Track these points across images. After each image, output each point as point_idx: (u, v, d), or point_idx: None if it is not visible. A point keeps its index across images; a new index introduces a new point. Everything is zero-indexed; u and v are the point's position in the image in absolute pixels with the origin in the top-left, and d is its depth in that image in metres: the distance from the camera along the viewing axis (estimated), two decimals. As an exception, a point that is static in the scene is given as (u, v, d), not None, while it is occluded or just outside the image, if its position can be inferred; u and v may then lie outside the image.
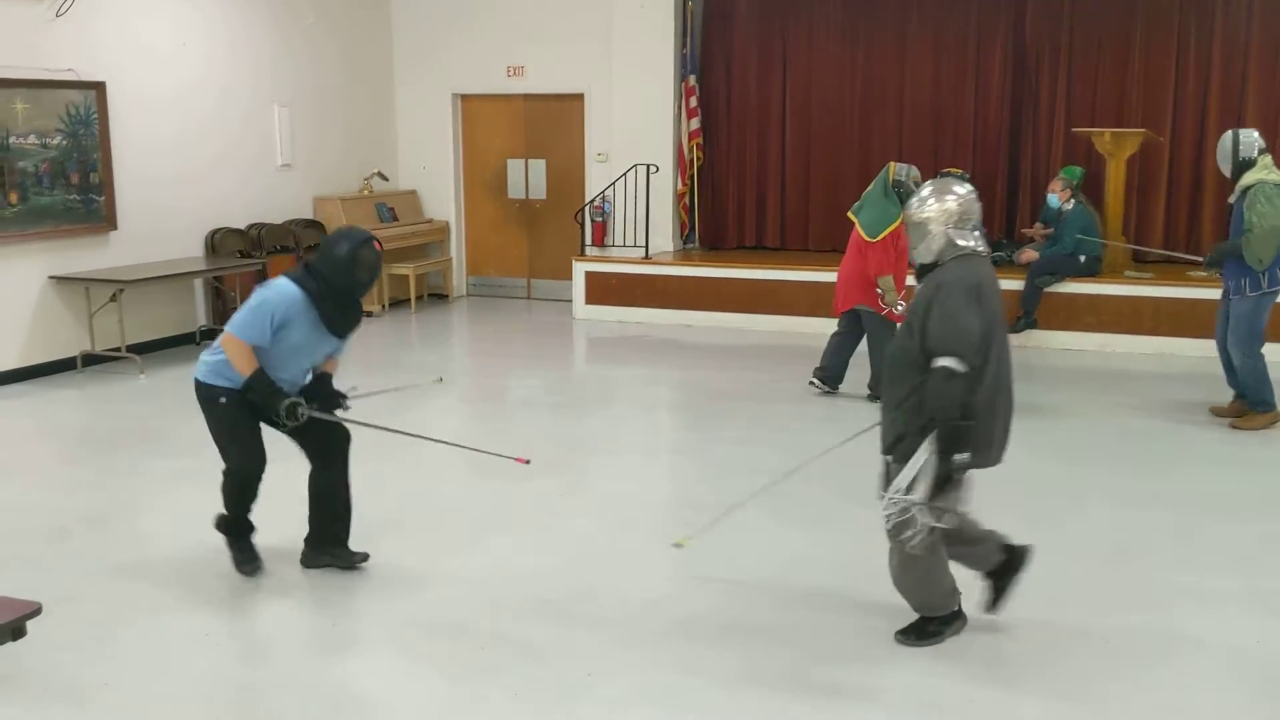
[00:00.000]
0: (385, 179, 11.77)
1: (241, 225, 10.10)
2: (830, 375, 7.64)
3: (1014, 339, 9.05)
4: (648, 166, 10.66)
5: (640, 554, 4.90)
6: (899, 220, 7.15)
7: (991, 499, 4.52)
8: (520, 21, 11.40)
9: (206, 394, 4.48)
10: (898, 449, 3.79)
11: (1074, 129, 9.78)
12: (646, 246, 10.73)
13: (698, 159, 11.10)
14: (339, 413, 4.58)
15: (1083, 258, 9.08)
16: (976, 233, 3.79)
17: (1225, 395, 7.09)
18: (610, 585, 4.54)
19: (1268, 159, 6.62)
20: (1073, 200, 9.19)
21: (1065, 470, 6.08)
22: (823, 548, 4.97)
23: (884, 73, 10.64)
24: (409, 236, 11.54)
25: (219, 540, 4.69)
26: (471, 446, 4.95)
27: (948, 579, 3.98)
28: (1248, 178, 6.56)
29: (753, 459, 6.29)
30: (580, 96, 11.44)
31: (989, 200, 10.39)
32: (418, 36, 11.86)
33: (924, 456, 3.66)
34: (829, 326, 9.62)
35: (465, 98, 12.00)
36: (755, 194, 11.22)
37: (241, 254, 9.88)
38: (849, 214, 7.52)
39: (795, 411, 7.35)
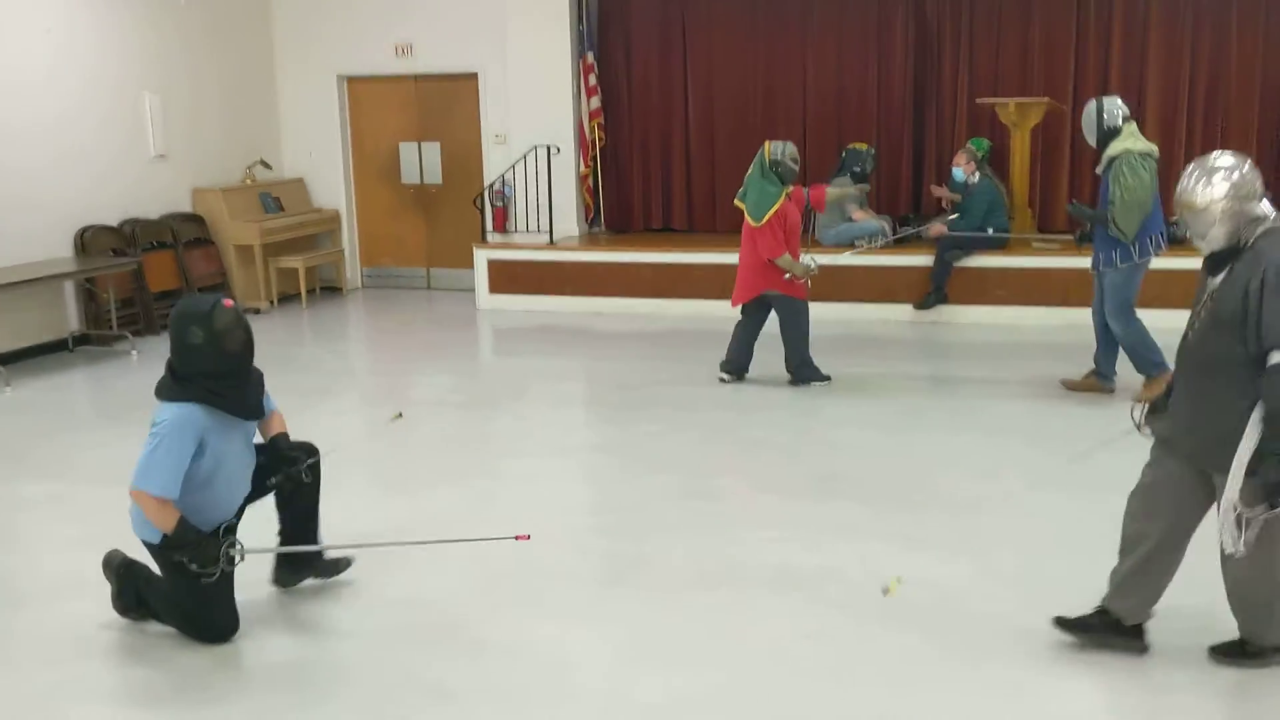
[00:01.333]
0: (269, 167, 11.17)
1: (114, 221, 9.44)
2: (736, 366, 7.44)
3: (925, 315, 9.11)
4: (548, 148, 10.28)
5: (567, 569, 4.57)
6: (782, 199, 6.96)
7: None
8: (406, 1, 10.89)
9: (160, 554, 3.84)
10: (1221, 458, 3.35)
11: (978, 99, 9.68)
12: (551, 232, 10.35)
13: (600, 139, 10.75)
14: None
15: (990, 230, 8.99)
16: (1265, 201, 3.39)
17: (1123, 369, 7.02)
18: (531, 607, 4.21)
19: (1132, 127, 6.51)
20: (978, 174, 9.10)
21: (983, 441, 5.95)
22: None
23: (786, 48, 10.41)
24: (297, 227, 10.97)
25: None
26: (466, 539, 4.29)
27: None
28: (1113, 147, 6.45)
29: (674, 453, 6.03)
30: (474, 76, 10.98)
31: (894, 176, 10.30)
32: (298, 16, 11.25)
33: (1260, 463, 3.26)
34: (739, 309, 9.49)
35: (352, 80, 11.44)
36: (661, 175, 10.92)
37: (115, 252, 9.24)
38: (736, 202, 7.31)
39: (712, 399, 7.09)
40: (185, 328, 3.76)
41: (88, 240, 9.08)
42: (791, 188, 7.12)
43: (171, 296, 9.77)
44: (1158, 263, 7.77)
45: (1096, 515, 4.98)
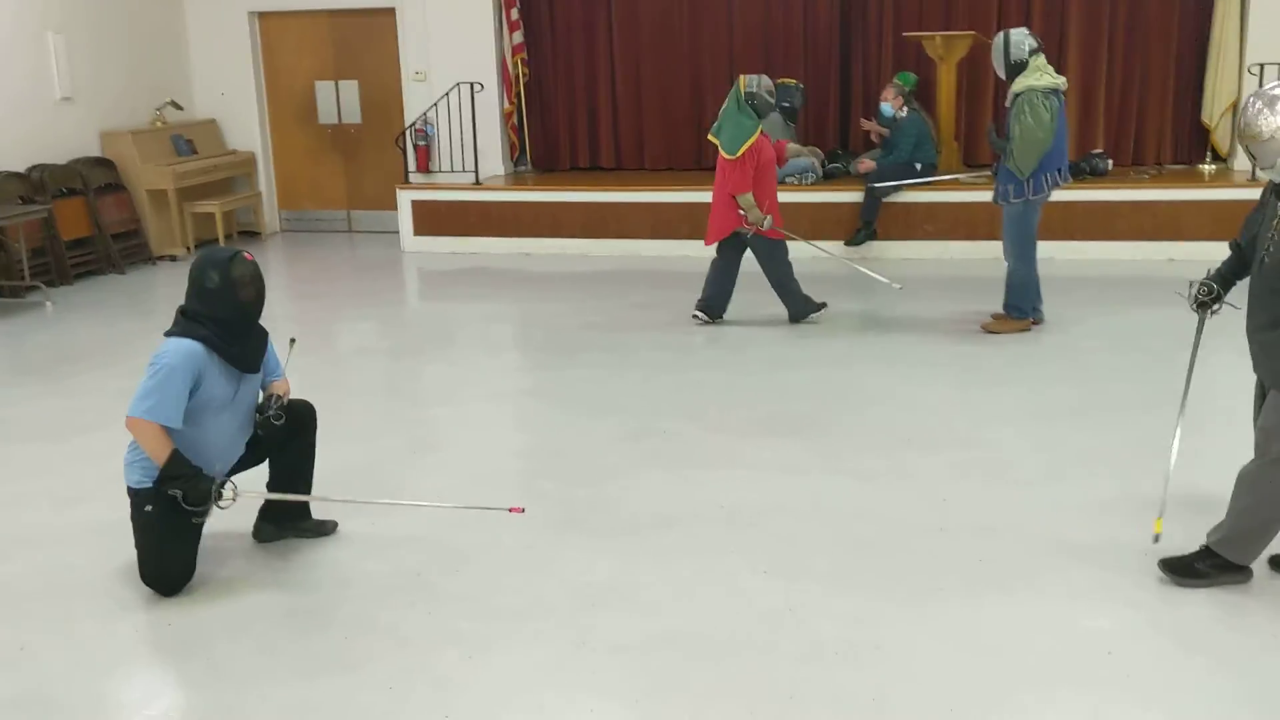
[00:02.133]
0: (179, 108, 10.77)
1: (20, 168, 9.04)
2: (713, 305, 7.29)
3: (855, 251, 9.17)
4: (471, 85, 10.06)
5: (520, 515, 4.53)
6: (757, 133, 6.89)
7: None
8: (319, -70, 10.52)
9: (134, 499, 3.89)
10: None
11: (904, 34, 9.68)
12: (476, 171, 10.16)
13: (523, 75, 10.54)
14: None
15: (919, 165, 9.05)
16: None
17: (1051, 302, 7.16)
18: (480, 550, 4.18)
19: (1040, 60, 6.51)
20: (906, 108, 9.13)
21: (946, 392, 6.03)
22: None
23: (711, -20, 10.28)
24: (211, 170, 10.63)
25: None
26: (456, 505, 4.29)
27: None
28: (1018, 84, 6.49)
29: (615, 396, 6.01)
30: (391, 11, 10.67)
31: (822, 111, 10.29)
32: (205, -51, 10.80)
33: None
34: (672, 249, 9.49)
35: (263, 15, 11.04)
36: (586, 112, 10.77)
37: (23, 200, 8.86)
38: (710, 137, 7.21)
39: (649, 340, 7.07)
40: (204, 271, 3.88)
41: (-8, 188, 8.69)
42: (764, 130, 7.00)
43: (84, 245, 9.44)
44: (1064, 195, 7.96)
45: (1031, 443, 5.13)
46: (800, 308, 7.21)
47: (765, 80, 7.04)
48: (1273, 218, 3.52)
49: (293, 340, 4.44)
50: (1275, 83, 3.53)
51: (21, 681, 3.43)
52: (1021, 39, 6.56)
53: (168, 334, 3.90)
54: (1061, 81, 6.60)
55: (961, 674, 3.31)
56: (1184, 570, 3.75)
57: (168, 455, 3.76)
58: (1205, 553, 3.75)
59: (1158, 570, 3.81)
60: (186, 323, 3.88)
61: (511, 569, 4.05)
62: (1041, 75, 6.51)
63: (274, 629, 3.70)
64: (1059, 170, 6.65)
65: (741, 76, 7.08)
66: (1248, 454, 3.76)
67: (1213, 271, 3.95)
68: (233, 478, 3.95)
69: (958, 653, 3.42)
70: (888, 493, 4.61)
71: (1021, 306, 6.85)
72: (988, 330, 6.89)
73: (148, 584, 3.91)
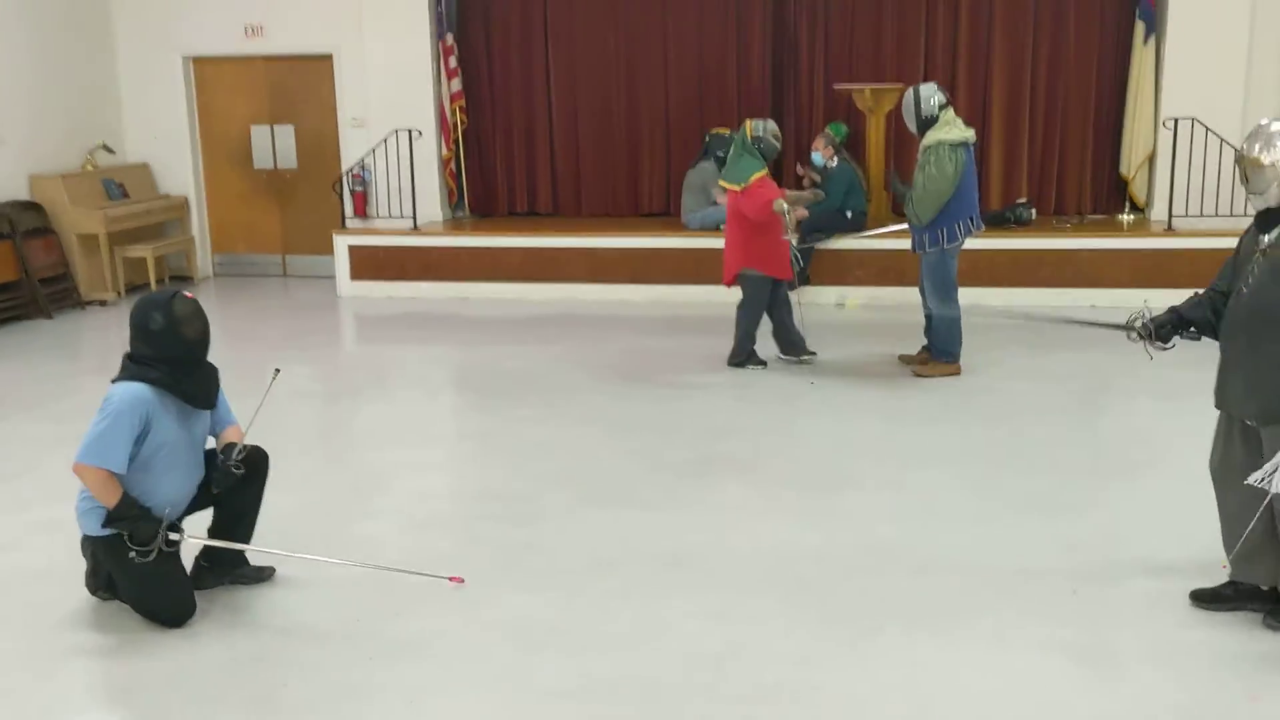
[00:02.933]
0: (111, 152, 10.66)
1: (-55, 212, 8.88)
2: (791, 342, 7.36)
3: (790, 297, 9.30)
4: (410, 131, 10.10)
5: (461, 560, 4.53)
6: (764, 171, 7.02)
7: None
8: (256, -23, 10.54)
9: (110, 549, 3.88)
10: None
11: (835, 85, 9.93)
12: (415, 216, 10.18)
13: (462, 122, 10.61)
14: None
15: (849, 213, 9.25)
16: None
17: (978, 346, 7.36)
18: (418, 596, 4.17)
19: (949, 114, 6.74)
20: (836, 158, 9.35)
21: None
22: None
23: (648, 31, 10.45)
24: (143, 215, 10.51)
25: None
26: (395, 569, 4.22)
27: None
28: (928, 137, 6.72)
29: (552, 439, 6.04)
30: (328, 58, 10.69)
31: (756, 159, 10.46)
32: (139, -6, 10.76)
33: None
34: (610, 293, 9.57)
35: (199, 60, 10.99)
36: (525, 158, 10.84)
37: (-53, 243, 8.70)
38: (720, 183, 7.40)
39: (584, 383, 7.12)
40: (147, 314, 3.91)
41: (-84, 231, 8.52)
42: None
43: (11, 289, 9.27)
44: (990, 243, 8.23)
45: (961, 483, 5.26)
46: (740, 357, 7.33)
47: (771, 124, 7.23)
48: (1252, 250, 3.68)
49: (277, 370, 4.43)
50: (1271, 120, 3.71)
51: (-51, 735, 3.35)
52: (930, 94, 6.80)
53: (115, 380, 3.90)
54: (970, 134, 6.82)
55: (900, 714, 3.38)
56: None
57: (117, 499, 3.79)
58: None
59: (1081, 603, 3.93)
60: (135, 367, 3.89)
61: (450, 614, 4.04)
62: (951, 129, 6.73)
63: (213, 677, 3.66)
64: (970, 219, 6.85)
65: (747, 121, 7.27)
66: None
67: (1164, 312, 4.00)
68: (183, 520, 3.95)
69: (895, 692, 3.49)
70: (825, 533, 4.69)
71: (949, 350, 7.03)
72: (918, 374, 7.05)
73: (154, 621, 3.94)
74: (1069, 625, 3.86)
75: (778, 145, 7.23)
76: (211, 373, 4.09)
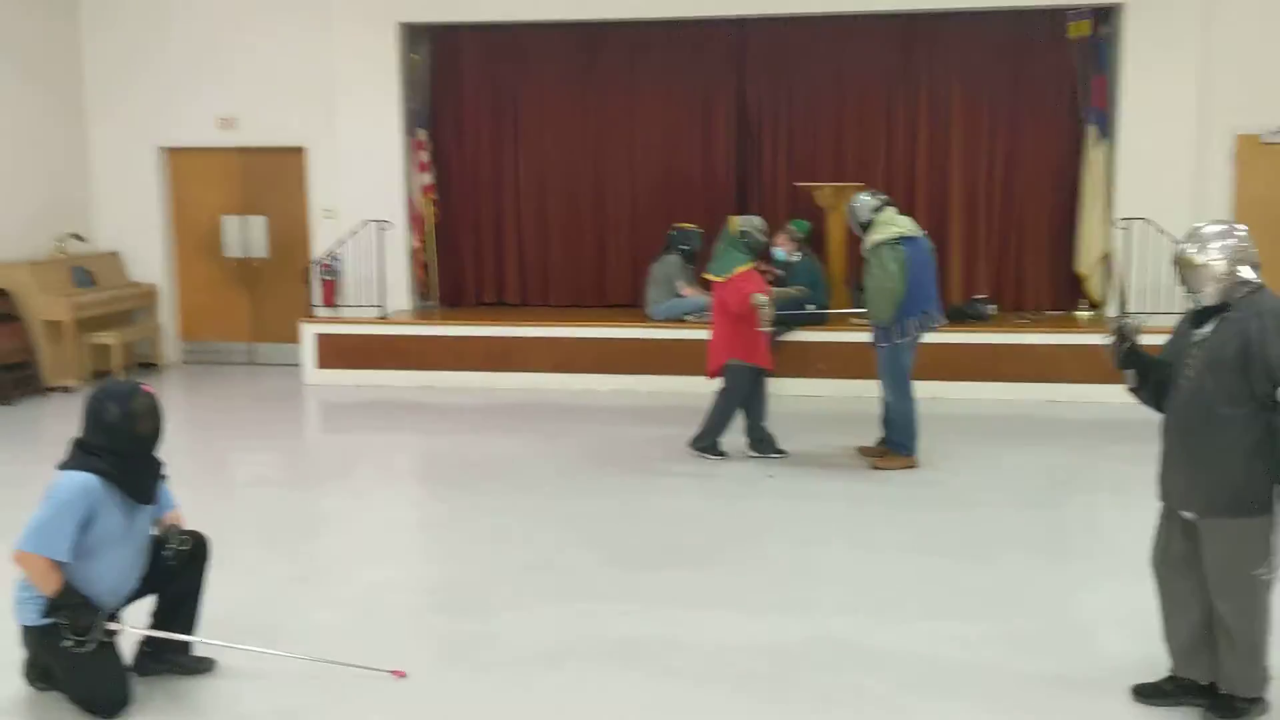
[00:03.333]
0: (82, 240, 10.72)
1: (-90, 296, 8.89)
2: (760, 442, 7.39)
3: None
4: (379, 223, 10.23)
5: (407, 651, 4.50)
6: (748, 266, 7.18)
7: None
8: (230, 72, 10.75)
9: (44, 639, 3.85)
10: (1239, 503, 3.63)
11: (796, 183, 10.16)
12: (383, 306, 10.27)
13: (434, 214, 10.76)
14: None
15: (811, 307, 9.39)
16: (1257, 268, 3.71)
17: (936, 439, 7.45)
18: (359, 689, 4.13)
19: (886, 214, 6.94)
20: (799, 253, 9.53)
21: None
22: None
23: (614, 128, 10.71)
24: (110, 302, 10.54)
25: None
26: (337, 661, 4.20)
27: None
28: (866, 241, 6.94)
29: (510, 528, 6.05)
30: (300, 150, 10.87)
31: (721, 253, 10.64)
32: (115, 86, 10.94)
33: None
34: (574, 383, 9.64)
35: (172, 151, 11.15)
36: (493, 250, 11.00)
37: (-90, 328, 8.69)
38: (705, 275, 7.60)
39: (546, 473, 7.13)
40: (103, 404, 3.92)
41: (-121, 315, 8.51)
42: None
43: (-28, 374, 9.23)
44: (949, 337, 8.38)
45: (912, 576, 5.28)
46: (706, 443, 7.36)
47: (757, 220, 7.46)
48: (1185, 344, 3.78)
49: None
50: (1214, 221, 3.85)
51: None
52: (863, 202, 7.04)
53: (62, 466, 3.90)
54: (908, 228, 6.93)
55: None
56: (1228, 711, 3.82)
57: (58, 587, 3.76)
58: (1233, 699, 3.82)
59: (1026, 695, 3.94)
60: (82, 455, 3.89)
61: (391, 707, 4.01)
62: (887, 227, 6.91)
63: (148, 770, 3.61)
64: (925, 313, 6.96)
65: (731, 218, 7.46)
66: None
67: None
68: (121, 611, 3.92)
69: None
70: (776, 626, 4.68)
71: (904, 443, 7.10)
72: (875, 467, 7.11)
73: (90, 713, 3.88)
74: (1013, 718, 3.86)
75: (764, 240, 7.42)
76: (156, 467, 4.09)
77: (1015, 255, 10.40)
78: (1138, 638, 4.31)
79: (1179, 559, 3.85)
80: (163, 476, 4.14)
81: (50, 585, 3.77)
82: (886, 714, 3.91)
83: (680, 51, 10.53)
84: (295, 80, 10.61)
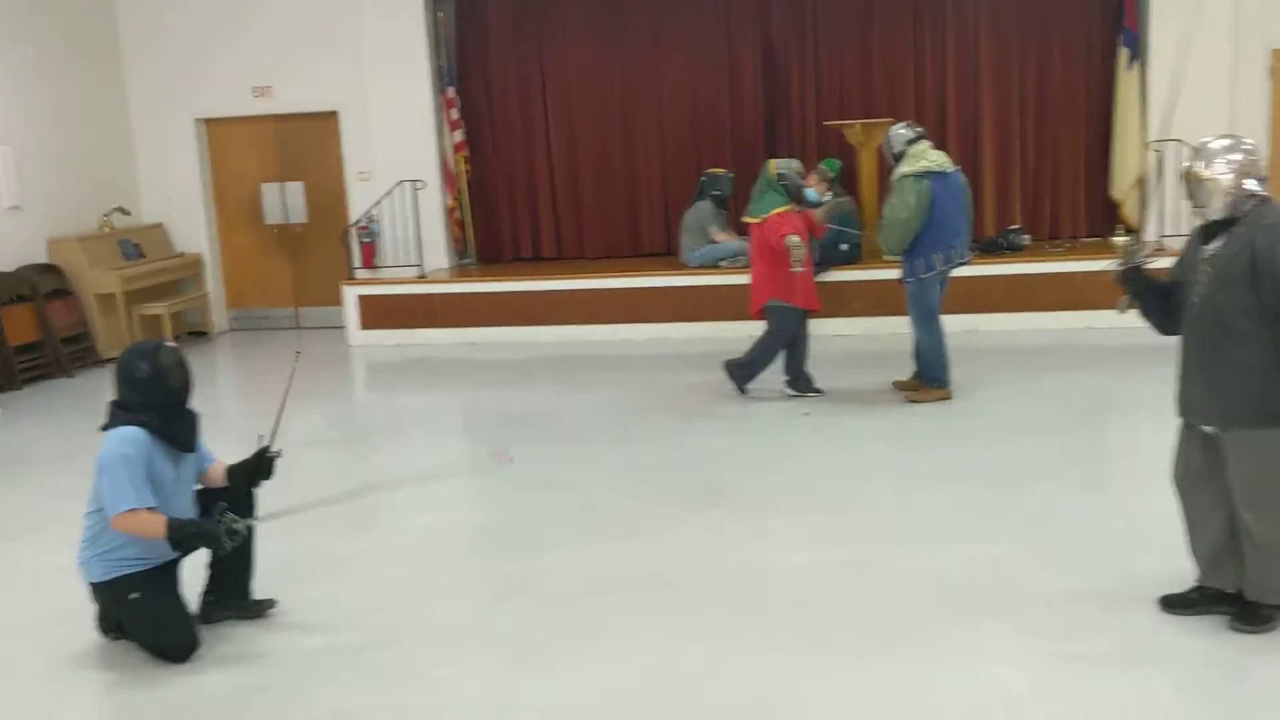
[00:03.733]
0: (127, 214, 10.99)
1: (-32, 276, 9.20)
2: (798, 381, 7.50)
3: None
4: (413, 183, 10.38)
5: (459, 590, 4.69)
6: (786, 206, 7.21)
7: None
8: (262, 41, 10.90)
9: (111, 593, 4.11)
10: (1260, 415, 3.71)
11: (825, 122, 10.15)
12: (421, 265, 10.44)
13: (465, 172, 10.90)
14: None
15: (844, 246, 9.44)
16: (1264, 181, 3.77)
17: (970, 370, 7.52)
18: (414, 625, 4.34)
19: (918, 147, 6.92)
20: (829, 193, 9.55)
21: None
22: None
23: (641, 76, 10.76)
24: (159, 273, 10.82)
25: None
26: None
27: None
28: (895, 172, 6.97)
29: (554, 473, 6.21)
30: (334, 114, 11.02)
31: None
32: (152, 62, 11.14)
33: None
34: (612, 333, 9.78)
35: (210, 122, 11.35)
36: (527, 204, 11.12)
37: (-30, 307, 9.01)
38: (744, 219, 7.62)
39: (590, 421, 7.29)
40: (133, 363, 4.15)
41: (-60, 296, 8.83)
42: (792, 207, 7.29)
43: (33, 350, 9.56)
44: (975, 270, 8.39)
45: (949, 506, 5.38)
46: (742, 373, 7.48)
47: (795, 163, 7.49)
48: (1196, 259, 3.84)
49: (297, 353, 4.86)
50: (1223, 135, 3.86)
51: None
52: (896, 133, 7.05)
53: (104, 428, 4.11)
54: (937, 163, 6.92)
55: None
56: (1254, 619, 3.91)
57: (165, 527, 3.98)
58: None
59: (1056, 613, 4.05)
60: (124, 413, 4.10)
61: (444, 642, 4.20)
62: (917, 160, 6.91)
63: (215, 708, 3.83)
64: (951, 247, 6.98)
65: (770, 161, 7.48)
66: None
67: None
68: (226, 517, 4.12)
69: (879, 704, 3.61)
70: (813, 557, 4.81)
71: (937, 376, 7.17)
72: (911, 400, 7.19)
73: (162, 658, 4.10)
74: (1046, 636, 3.97)
75: (801, 182, 7.42)
76: (193, 417, 4.29)
77: (1050, 183, 10.36)
78: (1167, 553, 4.38)
79: (1200, 473, 3.93)
80: (198, 425, 4.31)
81: (158, 529, 3.98)
82: (920, 635, 4.03)
83: (704, -6, 10.53)
84: (326, 45, 10.74)
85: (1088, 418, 6.95)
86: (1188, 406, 3.94)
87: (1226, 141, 3.81)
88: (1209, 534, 3.96)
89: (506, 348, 9.83)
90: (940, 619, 4.16)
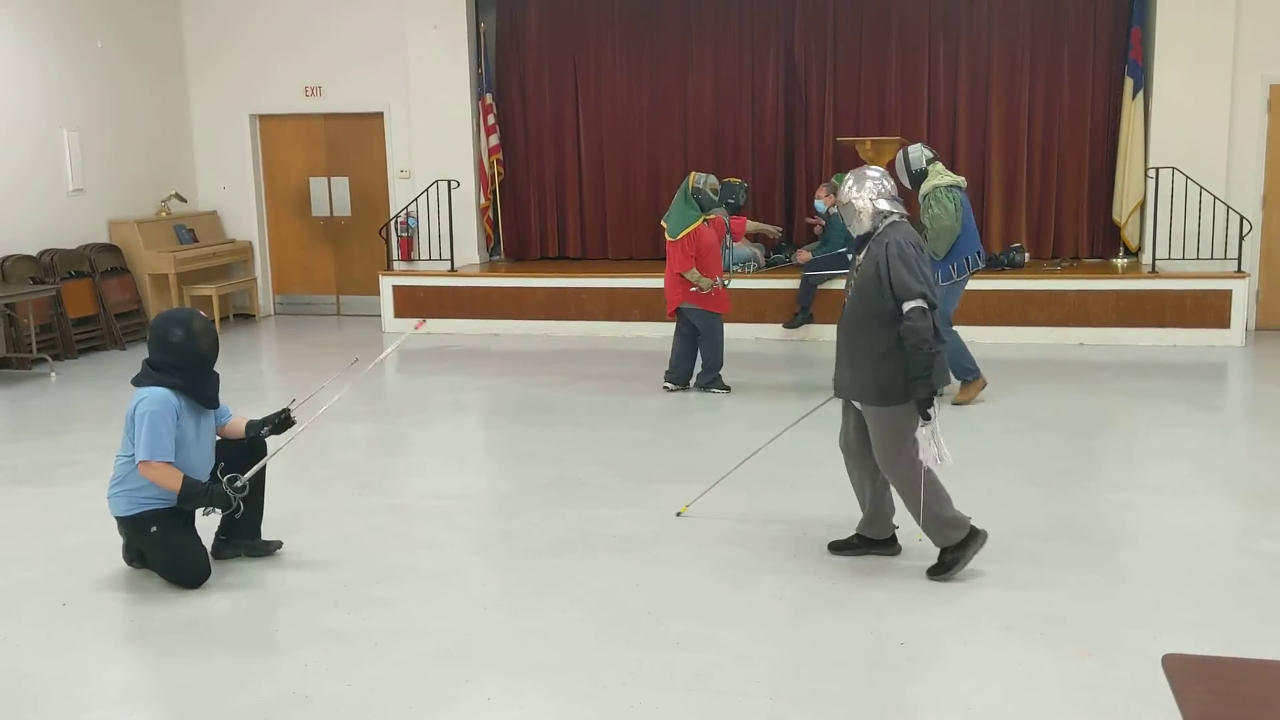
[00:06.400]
0: (183, 200, 11.75)
1: (33, 251, 9.97)
2: (679, 375, 8.15)
3: (793, 333, 9.99)
4: (449, 182, 11.01)
5: (442, 542, 5.27)
6: (698, 222, 7.78)
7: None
8: (316, 43, 11.63)
9: (135, 526, 4.68)
10: (882, 394, 4.45)
11: (838, 139, 10.63)
12: (452, 259, 11.07)
13: (499, 174, 11.52)
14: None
15: (850, 255, 9.87)
16: (897, 202, 4.54)
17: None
18: (399, 568, 4.91)
19: (937, 166, 7.45)
20: (837, 205, 10.00)
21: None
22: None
23: (668, 89, 11.30)
24: (210, 258, 11.56)
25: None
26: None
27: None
28: (924, 186, 7.42)
29: (543, 450, 6.77)
30: (379, 115, 11.71)
31: (769, 207, 11.20)
32: (212, 59, 11.92)
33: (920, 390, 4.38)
34: (629, 330, 10.34)
35: (264, 118, 12.09)
36: (555, 206, 11.72)
37: (34, 280, 9.76)
38: (662, 222, 8.19)
39: (590, 406, 7.85)
40: (167, 328, 4.69)
41: (8, 269, 9.61)
42: (713, 214, 7.96)
43: (90, 323, 10.32)
44: (983, 284, 8.81)
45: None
46: (707, 380, 8.05)
47: (711, 179, 8.04)
48: (854, 267, 4.58)
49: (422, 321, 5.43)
50: (870, 167, 4.70)
51: (2, 661, 4.16)
52: (918, 152, 7.52)
53: (136, 382, 4.69)
54: (960, 179, 7.50)
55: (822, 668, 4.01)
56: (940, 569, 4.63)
57: (180, 482, 4.56)
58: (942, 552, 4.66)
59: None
60: (155, 374, 4.67)
61: (422, 582, 4.77)
62: (942, 175, 7.42)
63: (217, 624, 4.43)
64: (977, 253, 7.52)
65: (692, 173, 8.08)
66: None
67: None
68: (227, 479, 4.70)
69: (847, 638, 4.12)
70: (758, 528, 5.31)
71: (965, 367, 7.60)
72: (955, 403, 7.57)
73: (177, 584, 4.68)
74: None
75: (714, 198, 7.95)
76: (215, 378, 4.86)
77: (1054, 205, 10.72)
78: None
79: (854, 441, 4.73)
80: (218, 386, 4.87)
81: (174, 482, 4.54)
82: (847, 601, 4.52)
83: (732, 9, 11.05)
84: (374, 50, 11.44)
85: (1081, 435, 7.35)
86: (839, 386, 4.70)
87: (863, 171, 4.61)
88: (863, 496, 4.79)
89: (528, 339, 10.42)
90: (850, 584, 4.64)
